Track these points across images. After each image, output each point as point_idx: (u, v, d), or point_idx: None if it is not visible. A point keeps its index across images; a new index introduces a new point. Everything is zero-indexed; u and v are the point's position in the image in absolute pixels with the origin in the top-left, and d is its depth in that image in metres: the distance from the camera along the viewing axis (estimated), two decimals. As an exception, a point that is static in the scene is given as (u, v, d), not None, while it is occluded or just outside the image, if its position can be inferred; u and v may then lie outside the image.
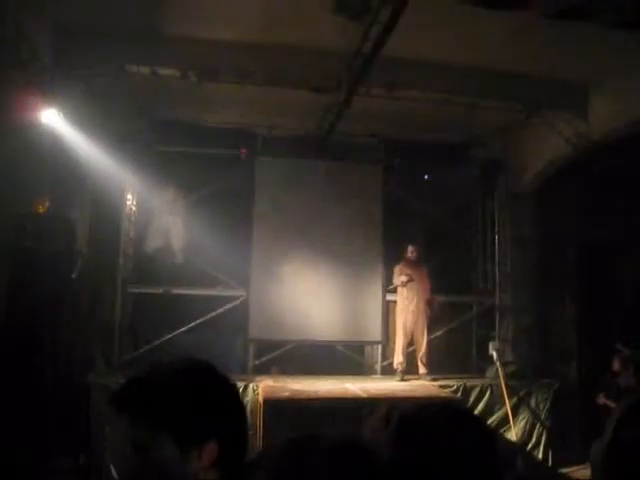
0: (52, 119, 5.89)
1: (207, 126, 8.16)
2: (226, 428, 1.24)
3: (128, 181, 7.92)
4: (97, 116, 6.68)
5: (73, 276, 6.48)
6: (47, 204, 5.96)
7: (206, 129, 8.16)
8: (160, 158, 8.00)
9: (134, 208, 8.29)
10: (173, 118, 8.03)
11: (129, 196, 8.15)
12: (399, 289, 8.02)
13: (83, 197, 7.17)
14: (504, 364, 7.72)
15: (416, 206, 8.81)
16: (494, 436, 1.37)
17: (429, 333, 8.01)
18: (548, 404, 7.56)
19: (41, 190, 5.99)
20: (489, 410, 7.35)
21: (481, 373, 8.27)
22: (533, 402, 7.56)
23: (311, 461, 0.83)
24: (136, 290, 8.03)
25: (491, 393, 7.44)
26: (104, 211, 7.59)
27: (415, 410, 1.36)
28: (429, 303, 7.94)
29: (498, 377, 7.45)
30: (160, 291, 7.90)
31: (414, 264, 7.95)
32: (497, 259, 8.89)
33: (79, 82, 6.10)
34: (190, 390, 1.23)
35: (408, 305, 7.87)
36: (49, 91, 5.67)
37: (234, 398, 1.32)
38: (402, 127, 8.13)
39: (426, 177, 9.17)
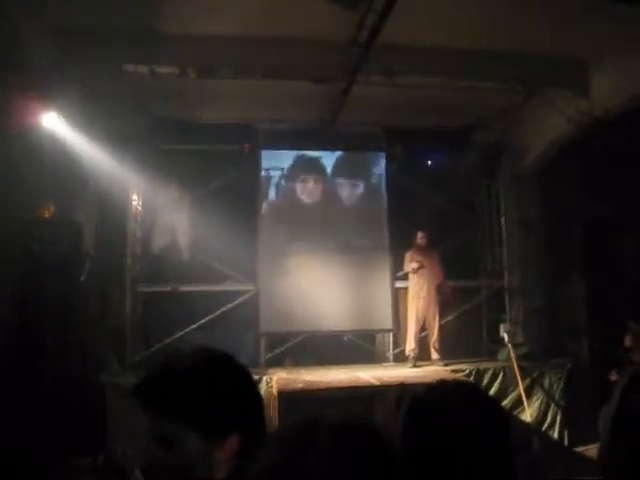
0: (53, 122, 5.90)
1: (209, 123, 8.16)
2: (247, 420, 1.24)
3: (132, 181, 7.94)
4: (98, 118, 6.68)
5: (82, 279, 6.51)
6: (52, 208, 5.98)
7: (208, 125, 8.15)
8: (163, 156, 8.01)
9: (140, 208, 8.31)
10: (175, 116, 8.03)
11: (134, 196, 8.17)
12: (410, 276, 8.03)
13: (88, 199, 7.17)
14: (515, 346, 7.71)
15: (420, 192, 8.80)
16: (507, 415, 1.37)
17: (440, 318, 8.02)
18: (562, 384, 7.56)
19: (45, 195, 6.01)
20: (502, 392, 7.36)
21: (493, 356, 8.27)
22: (546, 382, 7.57)
23: (318, 439, 0.84)
24: (145, 289, 8.06)
25: (504, 375, 7.45)
26: (110, 212, 7.61)
27: (426, 392, 1.37)
28: (440, 288, 7.93)
29: (510, 359, 7.44)
30: (168, 289, 7.93)
31: (424, 250, 7.95)
32: (504, 241, 8.87)
33: (78, 84, 6.09)
34: (211, 383, 1.23)
35: (419, 291, 7.88)
36: (48, 94, 5.67)
37: (253, 389, 1.33)
38: (403, 114, 8.09)
39: (429, 163, 9.15)
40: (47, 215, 6.04)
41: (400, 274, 8.43)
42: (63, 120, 6.02)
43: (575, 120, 7.07)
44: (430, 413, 1.30)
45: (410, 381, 6.66)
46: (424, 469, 1.23)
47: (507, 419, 1.35)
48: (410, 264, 7.91)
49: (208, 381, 1.22)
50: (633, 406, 1.02)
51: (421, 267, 7.85)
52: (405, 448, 1.27)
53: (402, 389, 5.82)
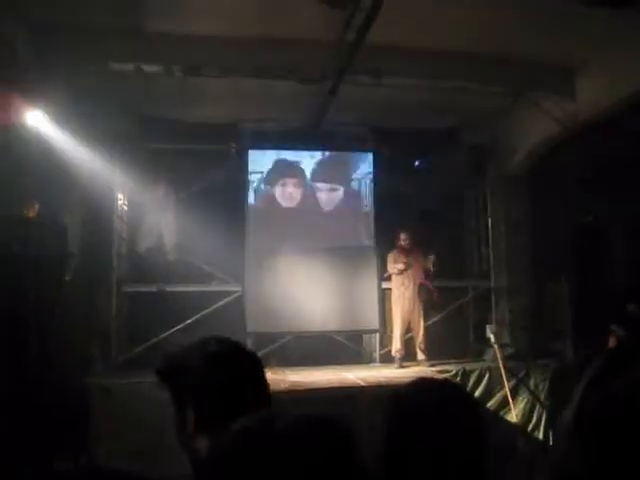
0: (37, 121, 5.85)
1: (195, 122, 8.12)
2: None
3: (118, 180, 7.89)
4: (84, 116, 6.63)
5: (66, 279, 6.46)
6: (36, 207, 5.93)
7: (195, 125, 8.11)
8: (149, 155, 7.98)
9: (125, 207, 8.25)
10: (161, 115, 7.98)
11: (120, 196, 8.11)
12: (394, 277, 8.04)
13: (73, 199, 7.12)
14: (502, 346, 7.74)
15: (408, 192, 8.81)
16: (482, 413, 1.37)
17: (426, 319, 8.03)
18: (547, 384, 7.60)
19: (29, 194, 5.96)
20: (488, 393, 7.38)
21: (479, 357, 8.31)
22: (532, 383, 7.60)
23: (279, 425, 0.85)
24: (131, 289, 8.01)
25: (490, 376, 7.47)
26: (95, 212, 7.55)
27: (405, 391, 1.36)
28: (425, 286, 7.94)
29: (496, 360, 7.46)
30: (154, 289, 7.88)
31: (407, 251, 7.96)
32: (491, 242, 8.90)
33: (63, 82, 6.05)
34: (217, 377, 1.36)
35: (404, 292, 7.89)
36: (32, 92, 5.61)
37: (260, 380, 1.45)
38: (390, 114, 8.10)
39: (416, 163, 9.16)
40: (31, 214, 5.99)
41: (386, 275, 8.44)
42: (48, 118, 5.97)
43: (561, 123, 7.10)
44: (409, 412, 1.30)
45: (395, 382, 6.67)
46: (405, 467, 1.23)
47: (482, 416, 1.35)
48: (396, 265, 7.91)
49: (212, 375, 1.37)
50: (591, 408, 1.01)
51: (407, 269, 7.86)
52: (387, 446, 1.27)
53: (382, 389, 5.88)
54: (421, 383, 1.41)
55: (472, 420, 1.30)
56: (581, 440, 0.99)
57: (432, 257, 7.90)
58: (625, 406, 0.96)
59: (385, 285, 8.51)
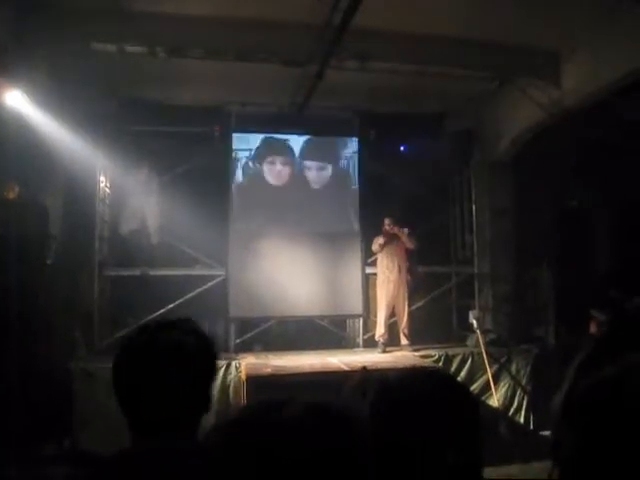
0: (17, 101, 5.73)
1: (180, 104, 8.04)
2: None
3: (100, 163, 7.79)
4: (66, 98, 6.51)
5: (48, 262, 6.39)
6: (17, 189, 5.83)
7: (179, 107, 8.03)
8: (133, 138, 7.89)
9: (108, 190, 8.16)
10: (144, 97, 7.88)
11: (102, 178, 8.01)
12: (379, 260, 8.04)
13: (55, 181, 7.01)
14: (484, 332, 7.81)
15: (393, 178, 8.81)
16: (477, 402, 1.36)
17: (410, 304, 8.06)
18: (528, 369, 7.69)
19: (9, 175, 5.85)
20: (471, 378, 7.45)
21: (462, 342, 8.36)
22: (513, 368, 7.68)
23: (288, 415, 0.82)
24: (113, 273, 7.95)
25: (472, 361, 7.54)
26: (77, 194, 7.45)
27: (396, 379, 1.35)
28: (409, 271, 7.96)
29: (479, 345, 7.53)
30: (137, 273, 7.82)
31: (393, 236, 7.96)
32: (474, 228, 8.93)
33: (44, 62, 5.93)
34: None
35: (389, 275, 7.90)
36: (11, 72, 5.49)
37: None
38: (376, 99, 8.08)
39: (402, 148, 9.15)
40: (11, 196, 5.89)
41: (370, 260, 8.46)
42: (28, 99, 5.84)
43: (547, 110, 7.12)
44: (400, 400, 1.28)
45: (379, 366, 6.70)
46: (393, 455, 1.22)
47: (477, 406, 1.34)
48: (376, 242, 7.91)
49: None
50: (579, 393, 1.01)
51: (388, 242, 7.85)
52: (373, 433, 1.26)
53: (365, 374, 5.88)
54: (411, 373, 1.40)
55: (465, 409, 1.29)
56: (570, 425, 0.99)
57: (405, 230, 7.91)
58: (614, 390, 0.96)
59: (369, 270, 8.53)
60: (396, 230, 7.88)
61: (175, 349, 1.39)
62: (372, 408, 1.30)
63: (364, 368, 6.20)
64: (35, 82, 5.85)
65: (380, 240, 7.88)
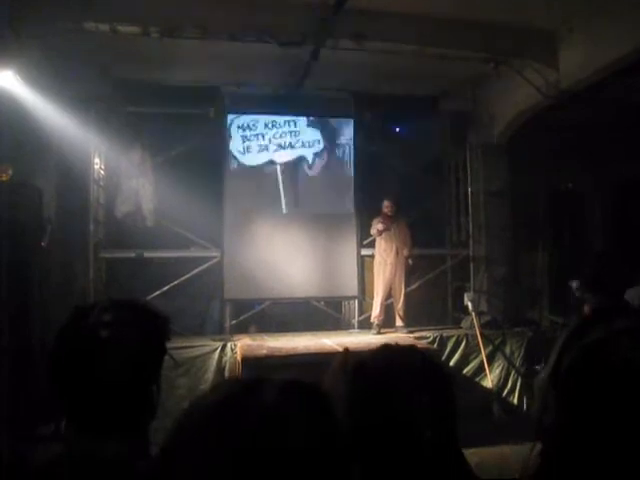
0: (9, 82, 5.67)
1: (174, 85, 7.95)
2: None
3: (94, 144, 7.73)
4: (59, 78, 6.44)
5: (43, 244, 6.36)
6: (9, 172, 5.78)
7: (173, 88, 7.94)
8: (126, 119, 7.82)
9: (102, 172, 8.11)
10: (138, 78, 7.80)
11: (96, 160, 7.96)
12: (377, 242, 8.04)
13: (48, 163, 6.95)
14: (479, 314, 7.84)
15: (388, 160, 8.78)
16: (450, 378, 1.35)
17: (406, 286, 8.08)
18: (522, 351, 7.73)
19: (1, 157, 5.80)
20: (465, 359, 7.50)
21: (457, 324, 8.41)
22: (508, 350, 7.73)
23: (264, 392, 0.80)
24: (108, 255, 7.93)
25: (467, 343, 7.58)
26: (71, 177, 7.40)
27: (369, 357, 1.34)
28: (408, 257, 7.97)
29: (473, 327, 7.58)
30: (132, 255, 7.81)
31: (391, 218, 7.95)
32: (470, 211, 8.93)
33: (36, 42, 5.85)
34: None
35: (386, 258, 7.90)
36: (2, 52, 5.42)
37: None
38: (372, 81, 8.02)
39: (397, 130, 9.10)
40: (4, 178, 5.83)
41: (365, 242, 8.46)
42: (20, 80, 5.78)
43: (543, 92, 7.08)
44: (373, 377, 1.28)
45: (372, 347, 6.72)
46: (370, 433, 1.21)
47: (451, 381, 1.33)
48: (375, 226, 7.91)
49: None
50: (564, 362, 1.01)
51: (386, 229, 7.85)
52: (350, 413, 1.25)
53: (347, 355, 5.91)
54: (385, 350, 1.39)
55: (440, 385, 1.28)
56: (556, 395, 1.00)
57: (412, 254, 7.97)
58: (598, 353, 0.98)
59: (364, 252, 8.54)
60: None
61: (103, 341, 1.25)
62: (347, 387, 1.29)
63: (346, 349, 6.22)
64: (27, 63, 5.77)
65: (379, 226, 7.86)
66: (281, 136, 8.45)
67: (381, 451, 1.21)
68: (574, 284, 3.69)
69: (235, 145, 8.31)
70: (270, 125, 8.42)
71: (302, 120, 8.54)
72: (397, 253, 7.88)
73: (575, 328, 1.19)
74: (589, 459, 0.92)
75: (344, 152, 8.68)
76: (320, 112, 8.60)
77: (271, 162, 8.38)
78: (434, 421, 1.21)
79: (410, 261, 8.01)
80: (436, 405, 1.23)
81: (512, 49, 6.97)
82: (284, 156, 8.43)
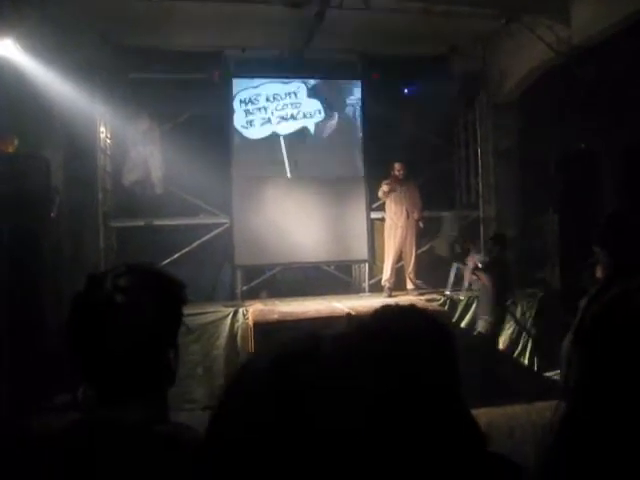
0: (9, 51, 5.59)
1: (177, 50, 7.84)
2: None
3: (99, 113, 7.66)
4: (60, 46, 6.35)
5: (52, 215, 6.37)
6: (15, 142, 5.76)
7: (176, 53, 7.84)
8: (131, 87, 7.71)
9: (109, 141, 8.06)
10: (141, 43, 7.70)
11: (102, 128, 7.90)
12: (387, 205, 7.96)
13: (54, 132, 6.91)
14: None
15: (397, 121, 8.66)
16: (453, 334, 1.33)
17: (417, 249, 8.05)
18: (533, 312, 7.73)
19: (7, 128, 5.77)
20: (475, 321, 7.50)
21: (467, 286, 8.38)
22: (518, 311, 7.72)
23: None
24: (118, 224, 7.95)
25: (477, 304, 7.57)
26: (78, 146, 7.36)
27: (371, 319, 1.33)
28: (418, 220, 7.92)
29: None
30: (142, 224, 7.82)
31: (401, 182, 7.86)
32: (480, 172, 8.83)
33: (34, 9, 5.75)
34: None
35: (397, 221, 7.85)
36: (1, 19, 5.33)
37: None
38: (380, 41, 7.84)
39: (406, 91, 8.94)
40: (10, 149, 5.83)
41: (375, 205, 8.41)
42: (20, 48, 5.70)
43: (555, 48, 6.91)
44: (372, 337, 1.26)
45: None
46: (374, 395, 1.20)
47: (453, 340, 1.31)
48: (382, 189, 7.83)
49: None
50: (587, 321, 1.01)
51: (392, 190, 7.77)
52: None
53: (351, 320, 5.93)
54: (385, 310, 1.37)
55: (443, 343, 1.26)
56: (578, 353, 1.00)
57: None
58: (616, 309, 0.97)
59: (374, 215, 8.50)
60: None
61: (119, 306, 1.22)
62: (347, 348, 1.27)
63: (349, 314, 6.27)
64: (26, 30, 5.69)
65: (384, 187, 7.79)
66: (283, 108, 8.33)
67: (383, 414, 1.20)
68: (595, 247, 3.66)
69: (238, 120, 8.22)
70: (272, 98, 8.30)
71: (303, 91, 8.39)
72: (407, 216, 7.82)
73: (595, 293, 1.18)
74: (613, 415, 0.92)
75: (353, 115, 8.57)
76: (326, 74, 8.46)
77: (275, 134, 8.28)
78: (436, 380, 1.19)
79: (421, 224, 7.96)
80: (438, 364, 1.21)
81: (523, 5, 6.79)
82: (287, 128, 8.33)
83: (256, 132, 8.27)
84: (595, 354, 0.95)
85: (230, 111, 8.19)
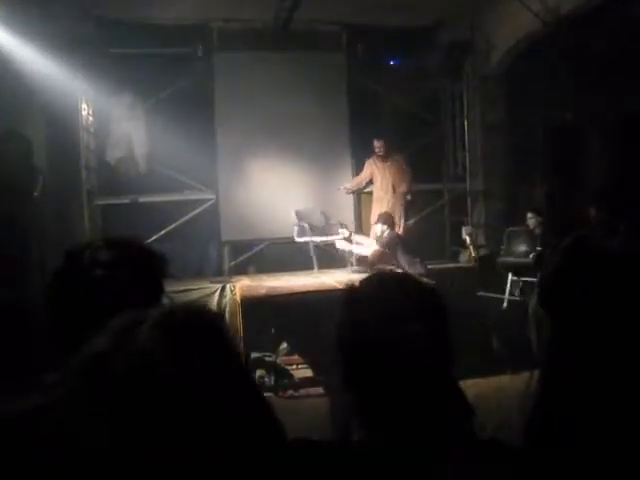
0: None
1: (159, 23, 7.69)
2: None
3: (81, 89, 7.52)
4: (40, 22, 6.20)
5: (35, 194, 6.30)
6: (-5, 122, 5.66)
7: (158, 27, 7.70)
8: (113, 62, 7.56)
9: (91, 118, 7.95)
10: (123, 17, 7.54)
11: (84, 105, 7.77)
12: (373, 179, 7.99)
13: (35, 110, 6.79)
14: (477, 248, 7.85)
15: (383, 94, 8.58)
16: (445, 305, 1.31)
17: (405, 222, 8.05)
18: (520, 284, 7.77)
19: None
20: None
21: (455, 258, 8.43)
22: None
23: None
24: (103, 202, 7.88)
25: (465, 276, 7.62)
26: (59, 124, 7.24)
27: (360, 284, 1.32)
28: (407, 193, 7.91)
29: (471, 261, 7.60)
30: (127, 201, 7.75)
31: (383, 158, 7.84)
32: (467, 144, 8.80)
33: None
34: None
35: (384, 196, 7.85)
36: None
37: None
38: (364, 11, 7.72)
39: (392, 63, 8.85)
40: (-10, 130, 5.73)
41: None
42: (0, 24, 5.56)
43: (542, 18, 6.84)
44: (361, 301, 1.26)
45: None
46: (361, 362, 1.20)
47: (445, 309, 1.28)
48: (355, 179, 8.06)
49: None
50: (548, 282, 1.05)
51: (351, 191, 8.12)
52: (343, 340, 1.23)
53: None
54: (379, 276, 1.37)
55: (435, 311, 1.24)
56: (545, 310, 1.02)
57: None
58: (571, 256, 1.00)
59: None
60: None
61: (98, 280, 1.21)
62: (336, 311, 1.27)
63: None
64: (5, 4, 5.55)
65: (347, 185, 8.07)
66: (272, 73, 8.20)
67: (375, 379, 1.19)
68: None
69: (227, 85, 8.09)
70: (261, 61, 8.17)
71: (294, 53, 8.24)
72: (394, 190, 7.81)
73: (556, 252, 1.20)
74: (583, 370, 0.94)
75: (337, 87, 8.46)
76: (311, 47, 8.33)
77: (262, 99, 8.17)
78: (428, 348, 1.18)
79: (409, 197, 7.95)
80: (431, 331, 1.20)
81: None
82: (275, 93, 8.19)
83: (241, 103, 8.15)
84: (562, 306, 0.99)
85: (214, 84, 8.09)
